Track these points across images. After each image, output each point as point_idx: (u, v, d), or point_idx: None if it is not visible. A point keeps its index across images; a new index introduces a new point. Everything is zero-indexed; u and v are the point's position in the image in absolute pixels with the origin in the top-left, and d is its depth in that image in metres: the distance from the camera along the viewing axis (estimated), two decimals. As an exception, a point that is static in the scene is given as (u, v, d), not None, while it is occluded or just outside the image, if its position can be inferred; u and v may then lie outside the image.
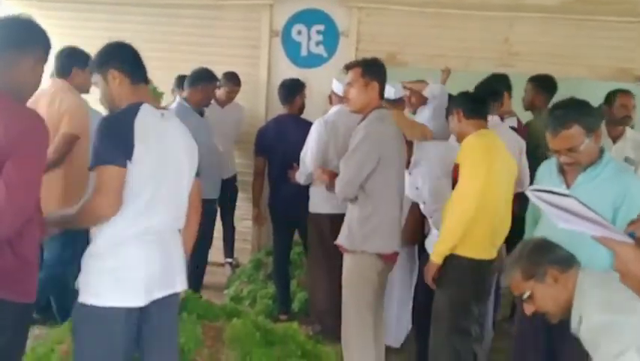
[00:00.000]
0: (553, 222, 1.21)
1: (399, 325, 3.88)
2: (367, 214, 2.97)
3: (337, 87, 4.07)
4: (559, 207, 1.13)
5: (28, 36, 1.95)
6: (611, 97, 4.14)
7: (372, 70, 3.02)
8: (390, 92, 3.87)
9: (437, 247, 2.92)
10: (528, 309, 1.93)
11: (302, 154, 3.98)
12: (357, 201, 3.01)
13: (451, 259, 2.88)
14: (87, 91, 3.60)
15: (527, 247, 2.00)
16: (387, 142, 2.97)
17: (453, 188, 2.94)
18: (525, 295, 1.93)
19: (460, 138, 3.05)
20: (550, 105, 4.17)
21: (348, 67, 3.08)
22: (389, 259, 3.06)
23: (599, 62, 4.89)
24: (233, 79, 4.85)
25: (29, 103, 3.46)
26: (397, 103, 3.97)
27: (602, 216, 1.11)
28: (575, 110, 2.34)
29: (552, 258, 1.92)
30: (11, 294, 1.91)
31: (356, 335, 3.03)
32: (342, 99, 3.99)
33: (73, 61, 3.58)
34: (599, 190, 2.28)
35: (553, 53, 4.89)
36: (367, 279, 3.00)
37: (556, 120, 2.34)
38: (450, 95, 3.15)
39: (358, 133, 2.98)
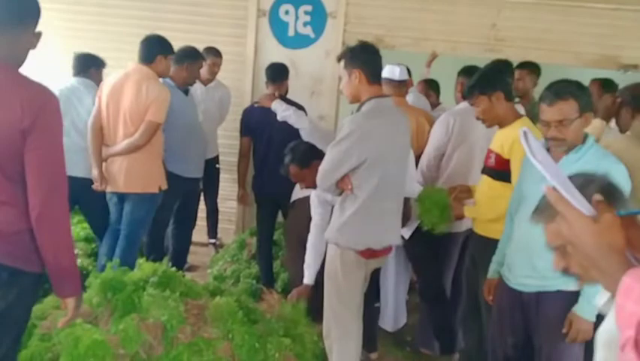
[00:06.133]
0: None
1: (396, 309, 3.89)
2: (345, 207, 2.88)
3: None
4: (537, 160, 1.08)
5: (29, 9, 1.93)
6: None
7: (353, 58, 2.83)
8: (394, 72, 3.76)
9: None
10: (558, 263, 1.40)
11: None
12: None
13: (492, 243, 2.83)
14: (165, 76, 3.87)
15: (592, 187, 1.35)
16: (376, 140, 2.79)
17: (487, 174, 2.94)
18: (560, 249, 1.42)
19: (498, 123, 2.95)
20: (535, 93, 4.20)
21: (337, 59, 2.97)
22: (366, 255, 2.92)
23: (585, 49, 4.91)
24: (213, 51, 4.77)
25: (113, 86, 3.71)
26: (400, 85, 3.85)
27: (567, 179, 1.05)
28: (575, 86, 2.40)
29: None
30: (30, 265, 1.97)
31: (336, 326, 2.98)
32: None
33: (158, 49, 3.73)
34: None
35: (540, 39, 4.91)
36: (342, 272, 2.91)
37: (555, 90, 2.38)
38: (484, 75, 2.98)
39: (344, 127, 2.83)
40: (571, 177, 1.42)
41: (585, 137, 2.42)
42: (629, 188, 2.35)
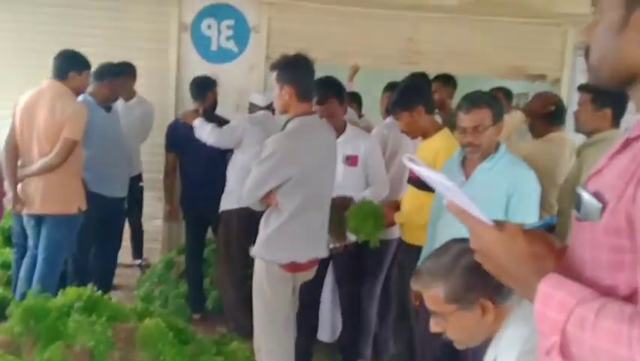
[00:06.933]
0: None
1: (333, 320, 3.92)
2: (270, 222, 2.90)
3: (258, 99, 4.10)
4: (433, 180, 1.11)
5: None
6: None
7: (284, 73, 2.83)
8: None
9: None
10: (435, 326, 1.54)
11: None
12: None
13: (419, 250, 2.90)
14: (82, 93, 3.79)
15: (464, 261, 1.46)
16: (300, 159, 2.82)
17: (412, 185, 3.02)
18: (437, 316, 1.53)
19: (421, 135, 3.11)
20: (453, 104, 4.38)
21: (270, 68, 2.97)
22: (290, 269, 2.92)
23: (496, 60, 5.18)
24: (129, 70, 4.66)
25: (26, 104, 3.59)
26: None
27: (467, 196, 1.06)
28: (489, 96, 2.63)
29: (492, 284, 1.35)
30: None
31: (265, 340, 2.97)
32: (262, 109, 4.01)
33: (70, 64, 3.64)
34: (495, 180, 2.46)
35: (453, 52, 5.13)
36: (268, 286, 2.91)
37: (471, 99, 2.55)
38: (404, 92, 3.17)
39: (268, 145, 2.84)
40: (447, 243, 1.55)
41: (497, 145, 2.57)
42: (539, 192, 2.52)
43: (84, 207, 3.69)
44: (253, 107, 4.17)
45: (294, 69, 2.84)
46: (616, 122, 2.92)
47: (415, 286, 1.57)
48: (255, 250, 2.98)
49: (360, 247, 3.35)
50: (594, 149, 2.87)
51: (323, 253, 3.09)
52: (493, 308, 1.45)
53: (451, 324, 1.50)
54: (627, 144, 0.98)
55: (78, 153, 3.63)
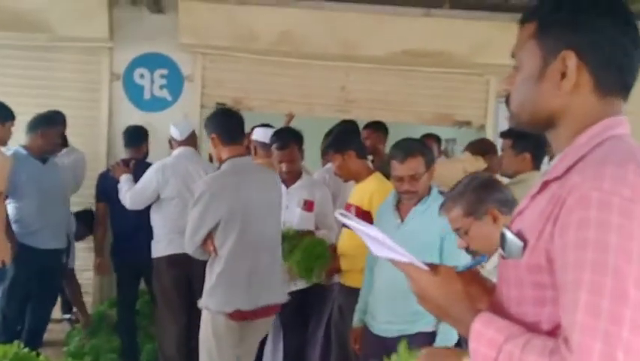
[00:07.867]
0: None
1: None
2: (213, 269, 2.89)
3: (175, 132, 4.04)
4: (365, 233, 1.13)
5: None
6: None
7: (208, 125, 3.04)
8: (267, 135, 3.90)
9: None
10: (461, 244, 1.90)
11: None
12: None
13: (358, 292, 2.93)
14: (5, 143, 3.75)
15: (474, 183, 1.92)
16: (229, 198, 2.85)
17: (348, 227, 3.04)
18: (460, 231, 1.89)
19: (353, 178, 3.25)
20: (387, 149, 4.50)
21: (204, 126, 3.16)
22: (236, 318, 2.88)
23: (424, 109, 5.38)
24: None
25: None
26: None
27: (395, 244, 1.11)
28: (420, 144, 2.77)
29: (497, 197, 1.88)
30: None
31: None
32: (182, 143, 3.99)
33: None
34: (428, 222, 2.55)
35: (384, 100, 5.30)
36: (213, 337, 2.88)
37: (405, 149, 2.65)
38: (337, 136, 3.38)
39: (198, 187, 2.92)
40: (459, 181, 1.96)
41: (430, 188, 2.68)
42: None
43: (9, 261, 3.53)
44: (172, 142, 4.13)
45: (213, 118, 3.06)
46: (536, 165, 3.11)
47: (441, 213, 1.98)
48: (202, 302, 2.94)
49: (305, 292, 3.36)
50: (512, 190, 3.03)
51: (275, 299, 3.03)
52: (502, 216, 1.82)
53: (471, 236, 1.86)
54: (545, 185, 1.05)
55: (1, 205, 3.49)
